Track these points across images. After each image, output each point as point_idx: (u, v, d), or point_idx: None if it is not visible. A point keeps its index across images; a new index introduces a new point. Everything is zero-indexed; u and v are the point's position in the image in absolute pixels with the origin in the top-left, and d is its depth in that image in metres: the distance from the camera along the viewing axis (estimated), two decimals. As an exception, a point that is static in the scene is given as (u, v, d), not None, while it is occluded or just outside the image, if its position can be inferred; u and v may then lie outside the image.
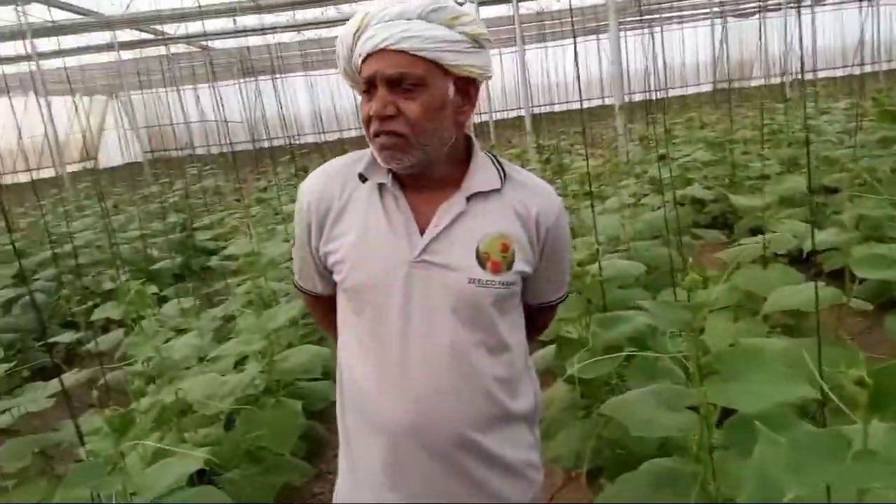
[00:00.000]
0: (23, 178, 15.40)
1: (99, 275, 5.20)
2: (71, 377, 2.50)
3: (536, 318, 1.39)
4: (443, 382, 1.17)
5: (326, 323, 1.39)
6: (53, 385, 2.36)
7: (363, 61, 1.13)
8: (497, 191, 1.22)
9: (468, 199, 1.19)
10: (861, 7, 17.17)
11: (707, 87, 20.38)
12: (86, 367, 2.69)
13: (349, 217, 1.22)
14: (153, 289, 3.52)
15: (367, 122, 1.15)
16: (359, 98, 1.19)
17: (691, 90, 20.36)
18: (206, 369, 2.33)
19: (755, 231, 4.66)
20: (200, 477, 2.08)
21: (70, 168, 15.06)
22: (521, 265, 1.21)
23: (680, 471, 1.34)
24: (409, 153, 1.14)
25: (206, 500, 1.65)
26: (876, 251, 2.02)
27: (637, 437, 1.87)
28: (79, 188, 9.20)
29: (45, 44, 14.41)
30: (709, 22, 21.51)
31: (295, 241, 1.35)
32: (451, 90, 1.15)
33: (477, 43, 1.15)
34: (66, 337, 2.87)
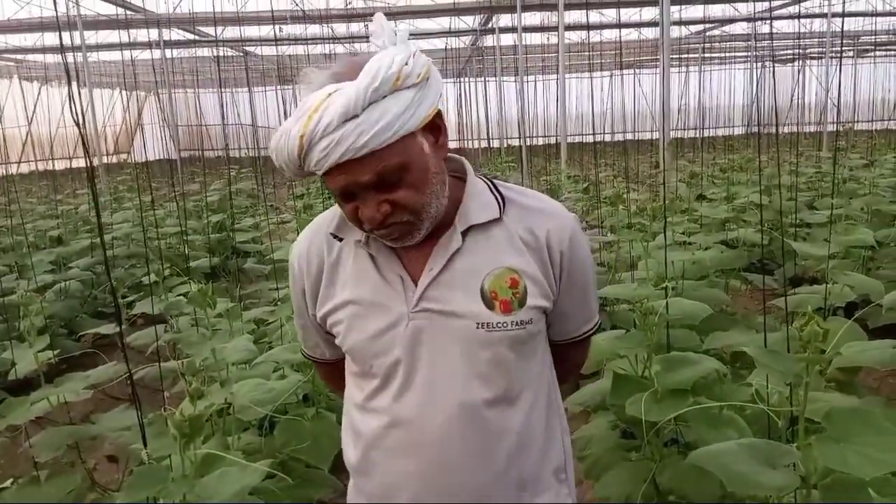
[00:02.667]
0: (59, 165, 15.69)
1: (132, 267, 5.21)
2: (109, 369, 2.47)
3: (568, 356, 1.25)
4: (454, 444, 1.06)
5: (338, 386, 1.27)
6: (95, 375, 2.32)
7: (324, 173, 0.97)
8: (497, 220, 1.09)
9: (464, 233, 1.07)
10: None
11: (740, 130, 20.25)
12: (115, 360, 2.66)
13: (342, 275, 1.12)
14: (192, 286, 3.51)
15: (357, 221, 1.03)
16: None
17: (721, 131, 20.23)
18: (245, 374, 2.29)
19: (796, 279, 4.57)
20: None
21: (104, 160, 15.26)
22: (535, 300, 1.08)
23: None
24: (419, 228, 1.04)
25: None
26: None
27: (696, 490, 1.80)
28: (118, 180, 9.29)
29: (91, 37, 14.67)
30: (747, 64, 21.42)
31: (294, 310, 1.26)
32: (425, 143, 1.02)
33: (427, 77, 0.99)
34: (107, 329, 2.83)
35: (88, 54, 13.83)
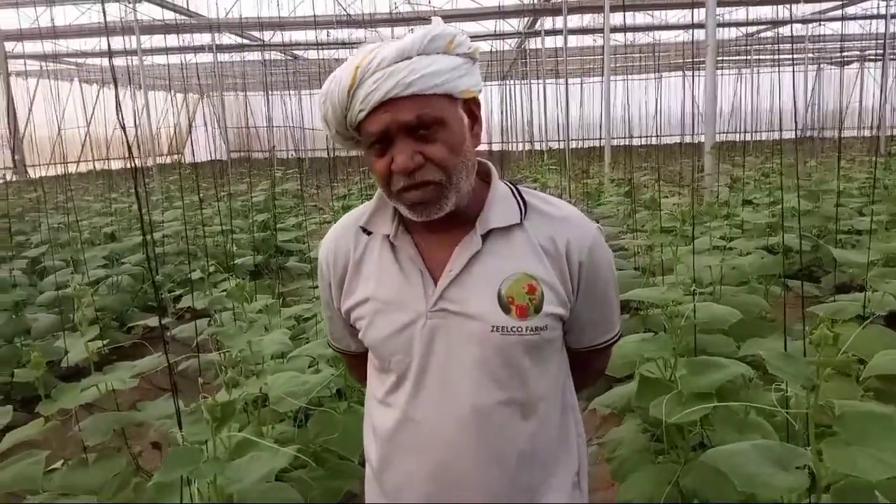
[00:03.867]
0: (115, 165, 16.28)
1: (181, 264, 5.40)
2: (154, 360, 2.59)
3: (587, 364, 1.26)
4: (462, 445, 1.08)
5: (363, 380, 1.30)
6: (141, 365, 2.44)
7: (367, 116, 1.02)
8: (519, 225, 1.10)
9: (484, 236, 1.09)
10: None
11: (790, 134, 19.73)
12: (161, 351, 2.78)
13: (366, 272, 1.16)
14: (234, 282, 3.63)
15: (387, 178, 1.05)
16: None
17: (766, 135, 19.72)
18: (281, 367, 2.37)
19: (843, 287, 4.45)
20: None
21: (158, 160, 15.78)
22: (551, 307, 1.09)
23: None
24: (446, 197, 1.06)
25: (282, 496, 1.68)
26: None
27: (719, 492, 1.80)
28: (169, 179, 9.60)
29: (146, 41, 15.19)
30: (801, 67, 20.85)
31: (322, 302, 1.30)
32: (464, 118, 1.07)
33: (472, 60, 1.07)
34: (153, 321, 2.96)
35: (144, 58, 14.32)
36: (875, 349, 2.17)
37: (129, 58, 15.58)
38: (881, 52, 16.16)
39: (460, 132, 1.05)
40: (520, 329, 1.06)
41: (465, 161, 1.06)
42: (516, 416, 1.09)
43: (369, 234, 1.16)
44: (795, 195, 3.90)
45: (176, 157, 23.28)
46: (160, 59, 17.31)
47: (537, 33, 14.69)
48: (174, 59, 17.11)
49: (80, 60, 18.81)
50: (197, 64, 16.12)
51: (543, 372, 1.12)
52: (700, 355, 2.09)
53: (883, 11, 14.69)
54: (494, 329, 1.06)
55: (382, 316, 1.12)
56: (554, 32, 14.20)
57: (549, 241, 1.10)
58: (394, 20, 12.66)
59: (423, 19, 12.45)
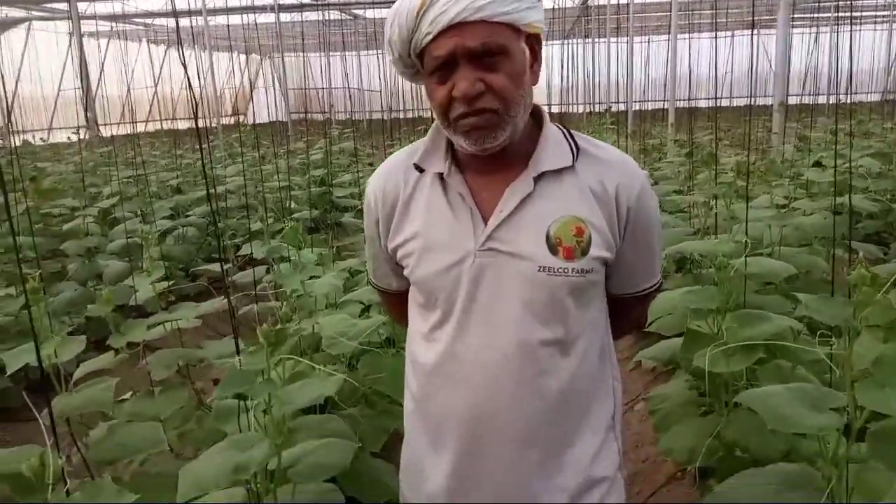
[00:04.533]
0: (182, 125, 16.80)
1: (243, 217, 5.59)
2: (216, 302, 2.73)
3: (627, 311, 1.29)
4: (506, 379, 1.11)
5: (403, 319, 1.35)
6: (204, 307, 2.58)
7: (433, 39, 1.04)
8: (570, 168, 1.12)
9: (536, 179, 1.11)
10: None
11: (876, 97, 18.63)
12: (222, 297, 2.93)
13: (414, 210, 1.18)
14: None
15: (447, 106, 1.08)
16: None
17: (860, 97, 18.70)
18: (334, 313, 2.47)
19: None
20: (321, 410, 2.21)
21: (223, 121, 16.19)
22: (598, 250, 1.11)
23: (812, 475, 1.27)
24: (503, 128, 1.07)
25: (331, 427, 1.77)
26: None
27: (760, 442, 1.81)
28: (233, 137, 9.87)
29: (210, 2, 15.44)
30: (886, 25, 19.56)
31: (366, 239, 1.33)
32: (527, 52, 1.09)
33: None
34: (214, 267, 3.11)
35: (209, 19, 14.59)
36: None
37: (193, 18, 15.93)
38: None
39: (522, 65, 1.07)
40: (566, 270, 1.09)
41: (523, 95, 1.08)
42: (556, 355, 1.12)
43: (421, 171, 1.18)
44: (862, 154, 3.74)
45: (239, 117, 23.83)
46: (224, 20, 17.60)
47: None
48: (236, 19, 17.36)
49: (147, 21, 19.30)
50: (257, 24, 16.30)
51: (584, 314, 1.15)
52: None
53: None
54: (541, 269, 1.09)
55: (431, 253, 1.15)
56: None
57: (599, 185, 1.12)
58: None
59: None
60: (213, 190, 5.79)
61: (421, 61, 1.10)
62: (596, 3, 16.23)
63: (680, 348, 2.09)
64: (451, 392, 1.16)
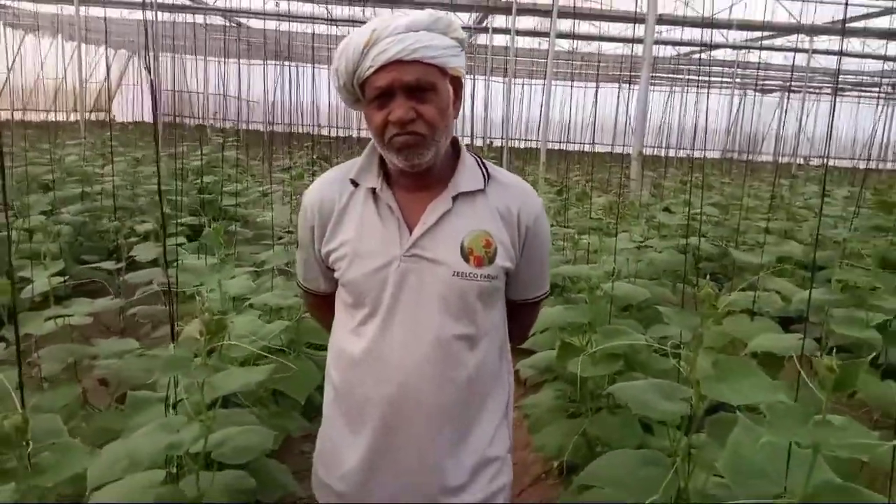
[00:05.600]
0: (32, 116, 15.53)
1: (118, 219, 5.40)
2: (111, 301, 2.72)
3: (521, 316, 1.51)
4: (425, 367, 1.28)
5: (325, 320, 1.52)
6: (98, 304, 2.57)
7: (374, 72, 1.23)
8: (481, 191, 1.33)
9: (454, 198, 1.31)
10: (878, 104, 17.74)
11: (716, 154, 20.90)
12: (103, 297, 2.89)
13: (348, 219, 1.34)
14: (181, 240, 3.76)
15: (382, 128, 1.26)
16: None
17: (701, 153, 20.83)
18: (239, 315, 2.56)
19: (744, 288, 4.96)
20: (224, 407, 2.30)
21: (87, 116, 15.19)
22: (502, 260, 1.31)
23: (661, 457, 1.58)
24: (428, 149, 1.26)
25: (242, 420, 1.89)
26: (855, 314, 2.28)
27: (619, 438, 2.13)
28: (104, 136, 9.36)
29: (88, -9, 14.56)
30: (729, 91, 22.08)
31: (299, 244, 1.47)
32: (451, 91, 1.29)
33: (462, 46, 1.30)
34: (108, 264, 3.07)
35: (70, 8, 13.73)
36: (757, 335, 2.57)
37: (60, 6, 14.90)
38: (801, 84, 17.39)
39: (446, 100, 1.28)
40: (475, 275, 1.29)
41: (446, 125, 1.29)
42: (466, 349, 1.32)
43: (356, 185, 1.35)
44: (707, 204, 4.35)
45: (102, 114, 22.39)
46: (95, 11, 16.61)
47: (486, 30, 15.02)
48: (110, 12, 16.44)
49: (7, 3, 17.79)
50: (151, 22, 15.56)
51: (489, 315, 1.35)
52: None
53: (805, 46, 15.79)
54: (455, 274, 1.29)
55: (361, 257, 1.32)
56: (502, 31, 14.55)
57: (505, 207, 1.35)
58: (349, 0, 12.67)
59: (376, 1, 12.52)
60: (88, 189, 5.56)
61: (362, 91, 1.28)
62: (478, 43, 17.02)
63: (555, 358, 2.39)
64: (375, 380, 1.31)
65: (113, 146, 6.17)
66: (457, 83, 1.32)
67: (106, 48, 17.83)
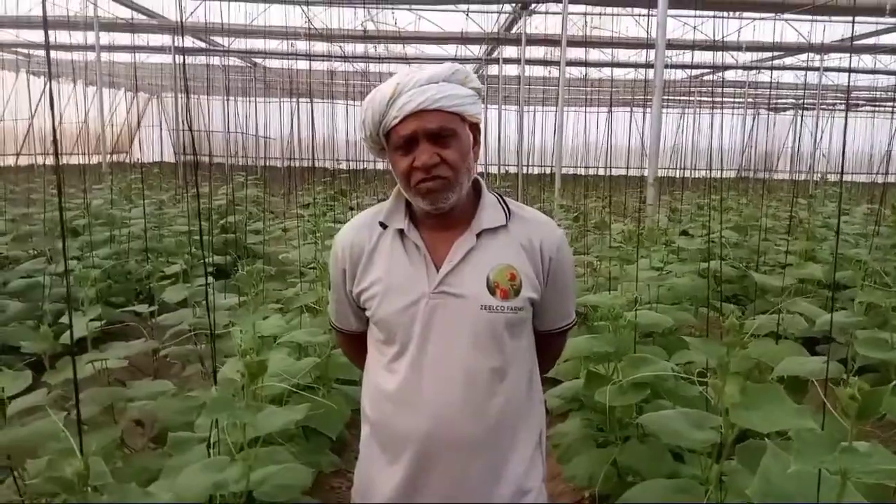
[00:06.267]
0: (47, 160, 15.88)
1: (144, 261, 5.53)
2: (146, 344, 2.80)
3: (549, 345, 1.54)
4: (456, 401, 1.32)
5: (357, 357, 1.57)
6: (134, 347, 2.65)
7: (399, 122, 1.31)
8: (504, 227, 1.40)
9: (478, 235, 1.37)
10: (893, 117, 17.65)
11: (732, 174, 20.87)
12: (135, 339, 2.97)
13: (377, 260, 1.40)
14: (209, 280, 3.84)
15: (408, 174, 1.34)
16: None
17: (717, 174, 20.81)
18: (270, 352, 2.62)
19: (765, 311, 4.94)
20: (261, 445, 2.35)
21: (108, 158, 15.53)
22: (528, 292, 1.37)
23: (693, 485, 1.61)
24: (452, 191, 1.33)
25: (280, 459, 1.94)
26: (879, 335, 2.29)
27: (650, 467, 2.15)
28: (130, 178, 9.58)
29: (104, 37, 15.01)
30: (742, 111, 22.11)
31: (331, 286, 1.54)
32: (470, 137, 1.38)
33: (478, 95, 1.39)
34: (142, 307, 3.16)
35: (91, 54, 14.15)
36: (783, 358, 2.58)
37: (85, 53, 15.36)
38: (813, 101, 17.40)
39: (467, 144, 1.37)
40: (503, 308, 1.35)
41: (467, 167, 1.37)
42: (496, 379, 1.36)
43: (385, 227, 1.42)
44: (725, 227, 4.38)
45: (122, 155, 22.88)
46: (115, 56, 17.10)
47: (496, 61, 15.25)
48: (128, 56, 16.92)
49: (29, 52, 18.37)
50: (171, 65, 16.00)
51: (518, 346, 1.40)
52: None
53: (817, 64, 15.85)
54: (483, 308, 1.34)
55: (391, 295, 1.38)
56: (513, 61, 14.78)
57: (527, 241, 1.40)
58: (363, 37, 12.95)
59: (391, 38, 12.77)
60: (116, 232, 5.70)
61: (387, 139, 1.37)
62: (490, 74, 17.25)
63: (582, 387, 2.42)
64: (409, 415, 1.35)
65: (138, 189, 6.32)
66: (475, 129, 1.40)
67: (135, 92, 18.29)
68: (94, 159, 16.25)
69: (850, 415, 1.01)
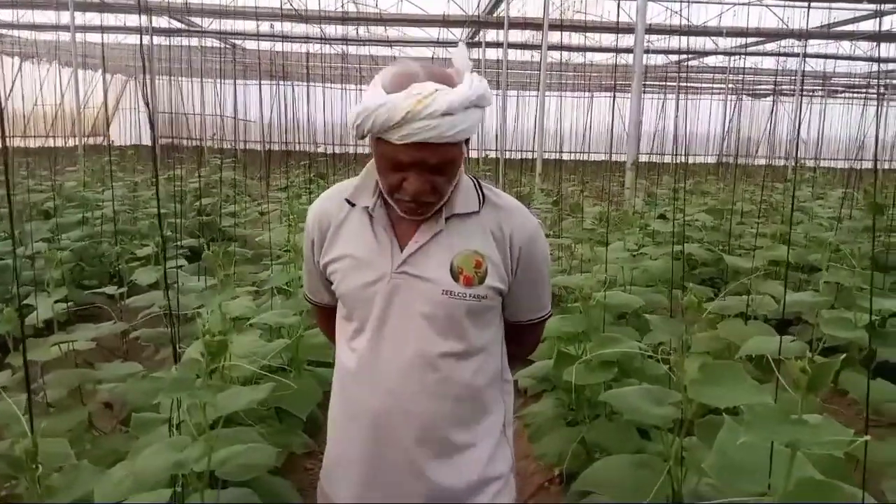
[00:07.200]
0: (30, 142, 15.61)
1: (121, 244, 5.45)
2: (115, 326, 2.77)
3: (522, 337, 1.51)
4: (410, 380, 1.31)
5: (329, 330, 1.55)
6: (102, 329, 2.62)
7: (400, 145, 1.20)
8: (476, 213, 1.35)
9: (447, 219, 1.33)
10: (867, 105, 17.87)
11: (712, 159, 20.99)
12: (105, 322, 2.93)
13: (345, 234, 1.38)
14: (181, 262, 3.81)
15: (393, 189, 1.28)
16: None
17: (698, 159, 20.96)
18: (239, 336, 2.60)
19: (738, 294, 5.00)
20: (227, 425, 2.34)
21: (85, 141, 15.27)
22: (493, 281, 1.33)
23: (655, 460, 1.63)
24: (432, 209, 1.31)
25: (245, 439, 1.93)
26: (844, 315, 2.33)
27: (616, 443, 2.17)
28: (104, 160, 9.44)
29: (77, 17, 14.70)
30: (722, 97, 22.22)
31: (304, 258, 1.52)
32: (464, 151, 1.30)
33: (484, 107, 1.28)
34: (110, 289, 3.12)
35: (65, 35, 13.88)
36: (750, 339, 2.61)
37: (56, 33, 15.02)
38: (793, 87, 17.53)
39: (460, 163, 1.31)
40: (464, 295, 1.32)
41: (456, 181, 1.32)
42: (455, 364, 1.34)
43: (353, 205, 1.39)
44: (699, 211, 4.41)
45: (102, 138, 22.50)
46: (91, 37, 16.76)
47: (478, 44, 15.15)
48: (105, 37, 16.57)
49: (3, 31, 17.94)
50: (148, 46, 15.67)
51: (482, 333, 1.37)
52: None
53: (797, 50, 15.94)
54: (444, 292, 1.31)
55: (354, 271, 1.36)
56: (495, 45, 14.70)
57: (498, 229, 1.36)
58: (343, 19, 12.80)
59: (371, 19, 12.64)
60: (88, 215, 5.61)
61: (378, 139, 1.25)
62: (471, 58, 17.12)
63: (552, 367, 2.43)
64: (366, 392, 1.35)
65: (112, 171, 6.23)
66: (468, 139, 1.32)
67: (108, 73, 17.97)
68: (72, 142, 15.96)
69: (801, 387, 1.02)
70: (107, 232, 5.59)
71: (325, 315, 1.57)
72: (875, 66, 16.94)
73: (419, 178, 1.25)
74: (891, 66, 17.16)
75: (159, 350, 3.32)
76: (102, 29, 12.88)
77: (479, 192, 1.39)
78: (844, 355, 1.26)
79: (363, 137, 1.27)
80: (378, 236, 1.36)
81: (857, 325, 2.26)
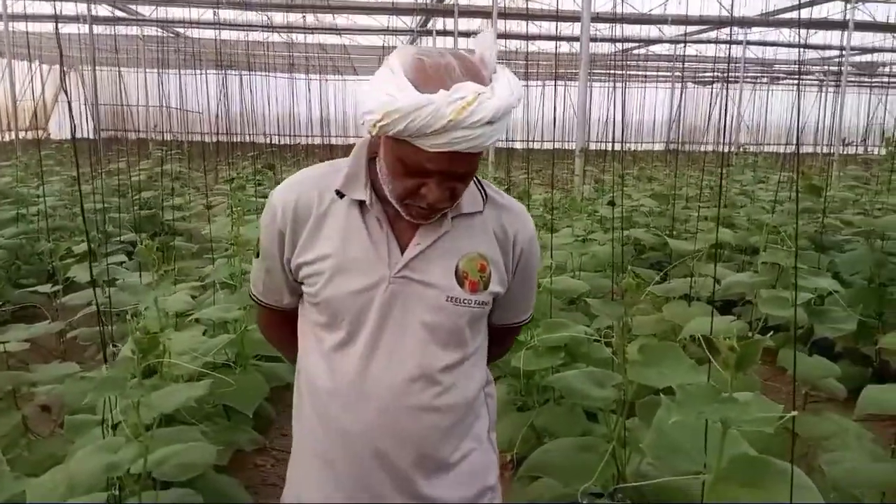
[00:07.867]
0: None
1: (58, 240, 5.25)
2: (50, 325, 2.66)
3: (501, 340, 1.42)
4: (409, 397, 1.18)
5: (278, 336, 1.39)
6: (36, 329, 2.51)
7: (432, 152, 1.07)
8: (479, 212, 1.24)
9: (453, 219, 1.21)
10: (806, 91, 18.46)
11: (661, 146, 21.45)
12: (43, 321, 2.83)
13: (328, 230, 1.20)
14: (121, 258, 3.69)
15: (406, 194, 1.14)
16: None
17: (646, 146, 21.38)
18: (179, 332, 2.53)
19: (684, 277, 5.13)
20: (169, 424, 2.27)
21: (22, 135, 14.67)
22: (495, 286, 1.24)
23: (598, 442, 1.65)
24: (443, 212, 1.19)
25: (186, 438, 1.88)
26: (780, 294, 2.40)
27: (564, 427, 2.19)
28: (43, 154, 9.06)
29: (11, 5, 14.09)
30: (669, 84, 22.66)
31: (260, 252, 1.30)
32: None
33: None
34: (45, 287, 3.01)
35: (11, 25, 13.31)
36: (693, 320, 2.67)
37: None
38: (737, 74, 17.99)
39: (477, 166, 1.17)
40: (469, 301, 1.21)
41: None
42: (451, 376, 1.23)
43: (342, 196, 1.21)
44: (644, 195, 4.50)
45: (39, 132, 21.64)
46: (27, 27, 16.05)
47: (429, 32, 15.08)
48: (42, 27, 15.91)
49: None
50: (86, 36, 15.09)
51: (475, 341, 1.28)
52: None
53: (740, 38, 16.36)
54: (449, 299, 1.19)
55: (344, 275, 1.19)
56: (445, 33, 14.65)
57: (501, 229, 1.26)
58: (289, 6, 12.56)
59: (318, 7, 12.42)
60: (24, 211, 5.39)
61: (396, 138, 1.09)
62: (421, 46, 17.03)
63: (500, 354, 2.44)
64: (355, 410, 1.20)
65: (47, 165, 6.00)
66: None
67: (43, 64, 17.27)
68: (8, 136, 15.32)
69: (730, 365, 1.04)
70: (44, 229, 5.38)
71: (276, 320, 1.39)
72: (816, 54, 17.50)
73: (441, 185, 1.12)
74: (828, 53, 17.75)
75: (101, 350, 3.22)
76: (27, 17, 12.30)
77: (482, 190, 1.28)
78: (781, 333, 1.29)
79: (382, 132, 1.10)
80: (373, 235, 1.20)
81: (792, 303, 2.33)
